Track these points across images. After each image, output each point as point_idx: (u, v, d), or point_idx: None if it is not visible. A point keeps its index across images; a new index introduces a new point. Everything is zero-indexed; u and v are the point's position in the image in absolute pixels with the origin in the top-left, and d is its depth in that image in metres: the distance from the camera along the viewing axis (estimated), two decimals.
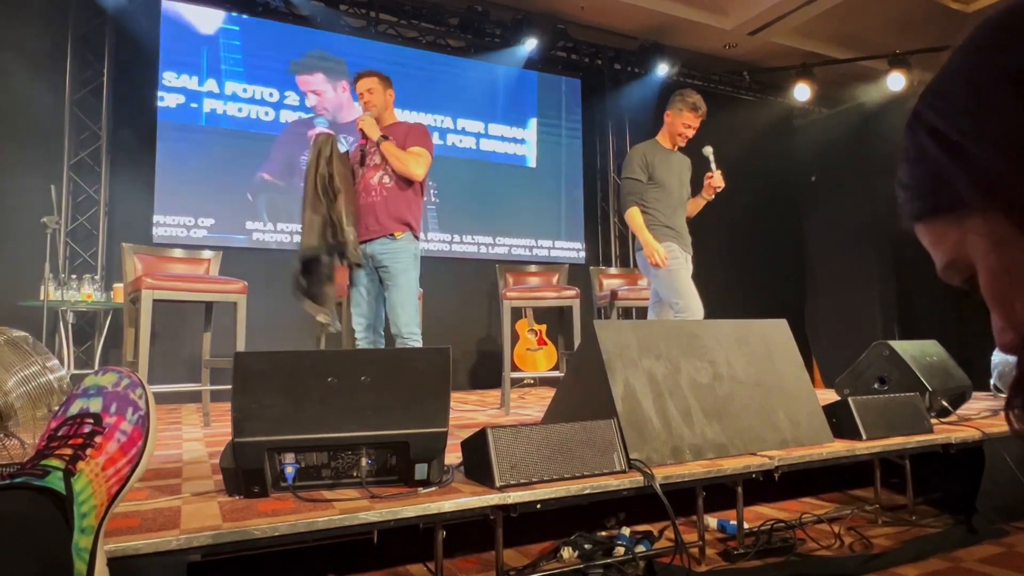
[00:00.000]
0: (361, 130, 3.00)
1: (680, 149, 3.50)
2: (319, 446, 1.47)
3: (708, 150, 3.42)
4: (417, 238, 3.03)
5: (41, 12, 4.72)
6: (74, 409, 0.76)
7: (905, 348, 2.66)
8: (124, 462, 0.74)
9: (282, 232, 5.33)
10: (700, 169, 3.52)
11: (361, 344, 2.99)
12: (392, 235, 2.96)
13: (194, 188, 5.09)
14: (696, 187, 3.52)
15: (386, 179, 3.00)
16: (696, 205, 3.54)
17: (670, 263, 3.29)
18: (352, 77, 3.14)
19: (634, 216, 3.36)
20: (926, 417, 2.29)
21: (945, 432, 2.24)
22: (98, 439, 0.72)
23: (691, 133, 3.42)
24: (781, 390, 2.11)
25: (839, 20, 6.06)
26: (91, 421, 0.74)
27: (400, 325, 2.91)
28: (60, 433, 0.72)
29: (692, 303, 3.25)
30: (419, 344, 2.92)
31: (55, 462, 0.68)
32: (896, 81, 6.21)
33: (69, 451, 0.70)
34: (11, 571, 0.55)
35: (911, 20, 6.02)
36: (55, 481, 0.66)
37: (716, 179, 3.39)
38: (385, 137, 2.96)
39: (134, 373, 0.81)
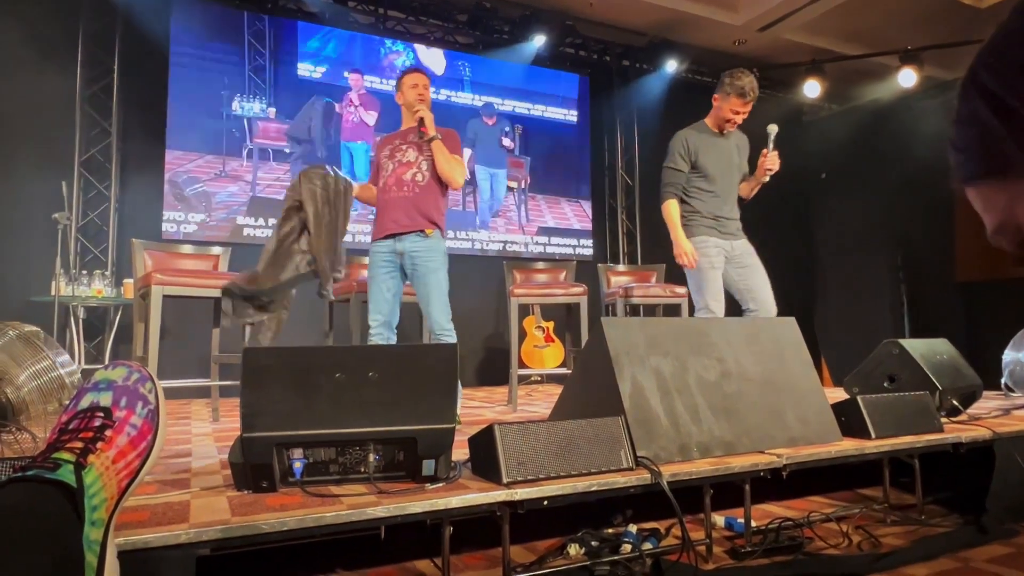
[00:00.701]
0: (420, 119, 2.96)
1: (740, 127, 3.30)
2: (327, 441, 1.48)
3: (772, 128, 3.20)
4: (444, 237, 3.04)
5: (52, 10, 4.75)
6: (84, 403, 0.76)
7: (915, 346, 2.64)
8: (134, 455, 0.75)
9: None
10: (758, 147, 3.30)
11: (375, 340, 2.99)
12: (423, 231, 2.96)
13: (204, 184, 5.12)
14: (753, 167, 3.35)
15: (419, 177, 2.99)
16: (750, 187, 3.38)
17: (701, 261, 3.16)
18: (401, 72, 3.19)
19: (669, 210, 3.21)
20: (936, 416, 2.28)
21: (955, 431, 2.22)
22: (108, 432, 0.73)
23: (739, 120, 3.22)
24: (790, 388, 2.10)
25: (850, 16, 6.01)
26: (101, 415, 0.74)
27: (433, 322, 2.92)
28: (71, 427, 0.73)
29: (713, 304, 3.14)
30: (452, 339, 2.92)
31: (66, 455, 0.69)
32: (907, 77, 6.16)
33: (80, 444, 0.71)
34: (24, 563, 0.56)
35: (923, 16, 5.97)
36: (66, 474, 0.67)
37: (770, 160, 3.19)
38: (438, 136, 2.96)
39: (144, 367, 0.82)
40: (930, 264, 6.67)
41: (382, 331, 2.98)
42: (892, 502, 2.18)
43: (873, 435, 2.07)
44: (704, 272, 3.17)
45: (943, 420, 2.33)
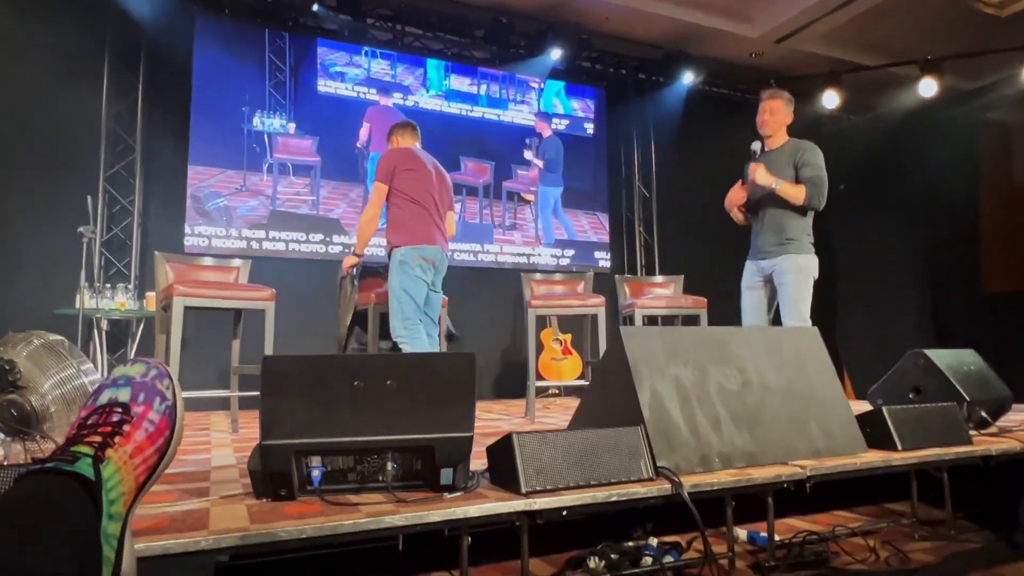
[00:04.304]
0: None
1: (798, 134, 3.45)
2: (345, 449, 1.48)
3: (755, 145, 3.34)
4: (403, 245, 3.16)
5: (79, 30, 4.86)
6: (103, 399, 0.77)
7: (941, 357, 2.58)
8: (152, 451, 0.75)
9: (312, 242, 5.41)
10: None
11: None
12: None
13: (226, 198, 5.19)
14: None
15: None
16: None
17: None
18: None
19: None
20: (964, 428, 2.22)
21: (985, 444, 2.17)
22: (126, 427, 0.74)
23: (759, 121, 3.39)
24: (813, 399, 2.06)
25: (868, 26, 5.98)
26: (119, 410, 0.75)
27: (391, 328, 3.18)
28: (89, 422, 0.74)
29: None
30: (407, 346, 3.08)
31: (84, 448, 0.69)
32: (928, 87, 6.09)
33: (98, 438, 0.71)
34: (42, 553, 0.56)
35: (943, 25, 5.91)
36: (84, 467, 0.67)
37: (750, 172, 3.24)
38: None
39: (162, 364, 0.83)
40: (955, 275, 6.55)
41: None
42: (920, 517, 2.13)
43: (899, 447, 2.02)
44: (741, 292, 3.44)
45: (972, 433, 2.28)
